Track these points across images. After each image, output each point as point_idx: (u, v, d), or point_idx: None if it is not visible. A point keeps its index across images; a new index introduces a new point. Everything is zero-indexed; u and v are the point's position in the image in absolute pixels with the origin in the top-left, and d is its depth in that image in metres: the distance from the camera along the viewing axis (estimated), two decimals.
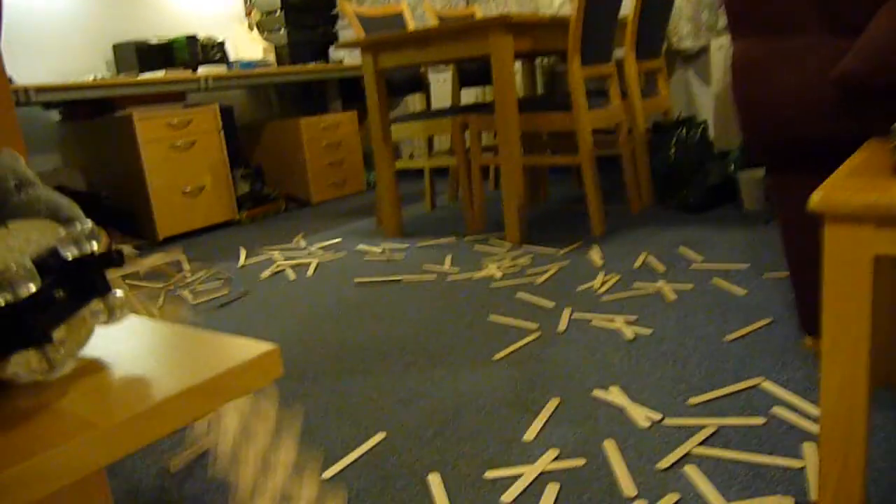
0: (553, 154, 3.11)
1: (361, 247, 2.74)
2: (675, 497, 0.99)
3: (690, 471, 1.05)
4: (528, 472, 1.09)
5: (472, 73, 3.47)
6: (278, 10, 4.05)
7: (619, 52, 2.87)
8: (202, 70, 3.43)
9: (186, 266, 2.67)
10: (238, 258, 2.76)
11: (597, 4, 2.44)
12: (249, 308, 2.10)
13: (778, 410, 1.19)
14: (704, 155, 2.75)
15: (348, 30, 4.30)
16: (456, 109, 2.99)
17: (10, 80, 2.84)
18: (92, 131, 3.26)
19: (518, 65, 3.64)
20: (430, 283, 2.16)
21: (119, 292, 0.44)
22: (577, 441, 1.17)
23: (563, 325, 1.69)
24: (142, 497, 1.14)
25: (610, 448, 1.14)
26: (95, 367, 0.43)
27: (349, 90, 4.48)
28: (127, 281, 2.49)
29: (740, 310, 1.67)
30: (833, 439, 0.85)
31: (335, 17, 4.29)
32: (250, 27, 4.21)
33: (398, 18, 3.31)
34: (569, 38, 2.42)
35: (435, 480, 1.10)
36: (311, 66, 3.93)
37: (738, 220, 2.52)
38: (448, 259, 2.42)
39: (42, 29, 3.29)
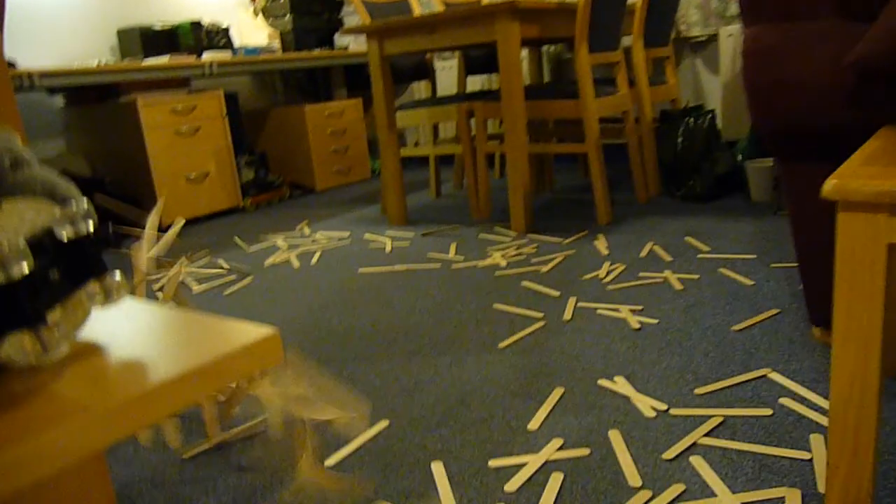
0: (559, 142, 3.09)
1: (366, 234, 2.73)
2: (680, 488, 0.98)
3: (696, 461, 1.04)
4: (533, 462, 1.08)
5: (479, 60, 3.44)
6: None
7: (626, 40, 2.84)
8: (207, 56, 3.41)
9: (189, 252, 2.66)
10: (242, 245, 2.75)
11: None
12: (253, 295, 2.10)
13: (785, 401, 1.18)
14: (712, 144, 2.72)
15: (354, 16, 4.27)
16: (462, 97, 2.96)
17: (13, 65, 2.83)
18: (96, 117, 3.25)
19: (525, 52, 3.61)
20: (434, 272, 2.15)
21: (116, 274, 0.43)
22: (581, 430, 1.16)
23: (568, 314, 1.68)
24: (152, 483, 1.14)
25: (615, 438, 1.13)
26: (91, 350, 0.42)
27: (354, 77, 4.46)
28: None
29: (747, 300, 1.65)
30: (842, 430, 0.84)
31: (340, 4, 4.26)
32: (255, 13, 4.18)
33: (404, 4, 3.28)
34: (576, 25, 2.39)
35: (438, 469, 1.09)
36: (317, 52, 3.90)
37: (746, 210, 2.50)
38: (453, 247, 2.41)
39: (46, 14, 3.27)
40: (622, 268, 1.99)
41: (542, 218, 2.71)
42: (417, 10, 3.29)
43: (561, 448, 1.11)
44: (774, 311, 1.56)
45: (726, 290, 1.73)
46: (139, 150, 3.09)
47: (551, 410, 1.24)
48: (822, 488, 0.95)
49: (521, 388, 1.33)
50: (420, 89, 4.40)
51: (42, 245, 0.41)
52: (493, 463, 1.09)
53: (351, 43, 4.19)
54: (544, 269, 2.06)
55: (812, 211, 1.25)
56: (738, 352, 1.39)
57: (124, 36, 3.46)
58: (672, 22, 3.02)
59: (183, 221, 1.07)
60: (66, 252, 0.42)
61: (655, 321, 1.59)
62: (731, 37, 3.25)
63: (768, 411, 1.16)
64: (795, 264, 1.86)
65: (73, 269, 0.41)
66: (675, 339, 1.48)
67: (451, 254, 2.33)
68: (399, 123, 2.91)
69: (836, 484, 0.86)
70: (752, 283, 1.76)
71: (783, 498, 0.94)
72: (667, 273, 1.90)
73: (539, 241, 2.37)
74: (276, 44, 4.05)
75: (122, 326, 0.45)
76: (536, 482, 1.03)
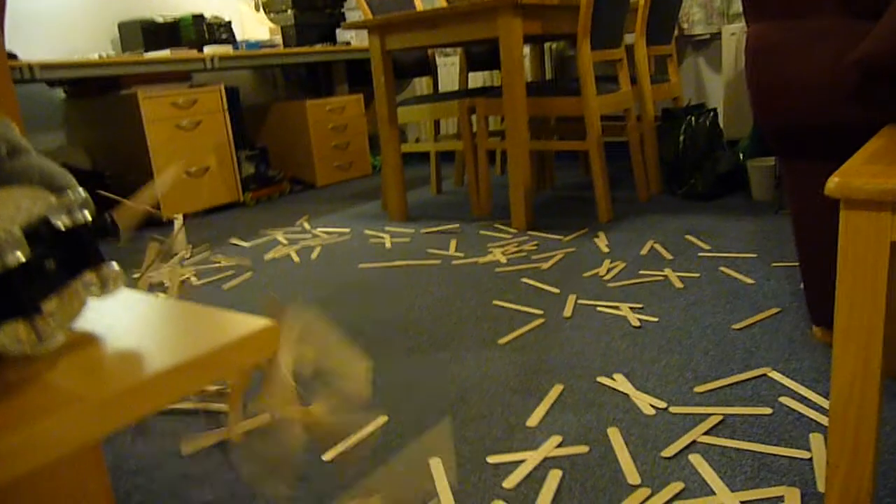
0: (561, 140, 3.08)
1: (366, 230, 2.73)
2: (679, 486, 0.98)
3: (695, 460, 1.03)
4: (531, 458, 1.08)
5: (481, 56, 3.43)
6: None
7: (629, 38, 2.83)
8: (208, 50, 3.40)
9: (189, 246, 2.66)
10: (242, 240, 2.74)
11: None
12: (252, 290, 2.09)
13: (785, 400, 1.18)
14: (714, 143, 2.72)
15: (355, 11, 4.26)
16: (463, 93, 2.96)
17: (14, 57, 2.82)
18: (96, 110, 3.24)
19: (527, 50, 3.61)
20: (434, 268, 2.14)
21: (114, 264, 0.42)
22: (580, 428, 1.16)
23: (568, 312, 1.67)
24: (149, 477, 1.14)
25: (614, 435, 1.12)
26: (87, 341, 0.41)
27: (356, 73, 4.45)
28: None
29: (748, 299, 1.65)
30: (842, 429, 0.83)
31: None
32: (257, 7, 4.17)
33: (406, 0, 3.28)
34: (579, 22, 2.39)
35: (437, 465, 1.09)
36: (318, 47, 3.89)
37: (747, 209, 2.49)
38: (453, 244, 2.40)
39: (47, 7, 3.26)
40: (623, 266, 1.99)
41: (543, 215, 2.70)
42: (419, 6, 3.28)
43: (560, 445, 1.11)
44: (775, 310, 1.56)
45: (727, 289, 1.72)
46: (140, 143, 3.09)
47: (550, 407, 1.23)
48: (821, 487, 0.95)
49: (521, 385, 1.33)
50: (421, 85, 4.39)
51: (38, 234, 0.41)
52: (491, 459, 1.09)
53: (352, 38, 4.18)
54: (544, 266, 2.05)
55: (814, 210, 1.25)
56: (739, 350, 1.39)
57: (125, 29, 3.45)
58: (675, 20, 3.01)
59: (181, 219, 1.07)
60: (63, 241, 0.41)
61: (655, 319, 1.58)
62: (733, 35, 3.24)
63: (768, 410, 1.15)
64: (796, 263, 1.85)
65: (69, 258, 0.41)
66: (674, 338, 1.48)
67: (452, 250, 2.32)
68: (400, 119, 2.90)
69: (836, 483, 0.86)
70: (753, 281, 1.75)
71: (782, 497, 0.93)
72: (667, 271, 1.90)
73: (539, 239, 2.36)
74: (278, 38, 4.04)
75: (119, 317, 0.44)
76: (535, 479, 1.03)
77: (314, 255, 2.43)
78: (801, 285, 1.65)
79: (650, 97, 2.80)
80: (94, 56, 3.12)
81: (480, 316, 1.70)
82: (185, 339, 0.39)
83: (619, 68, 2.66)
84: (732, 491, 0.95)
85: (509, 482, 1.03)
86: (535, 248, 2.26)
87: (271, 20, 4.13)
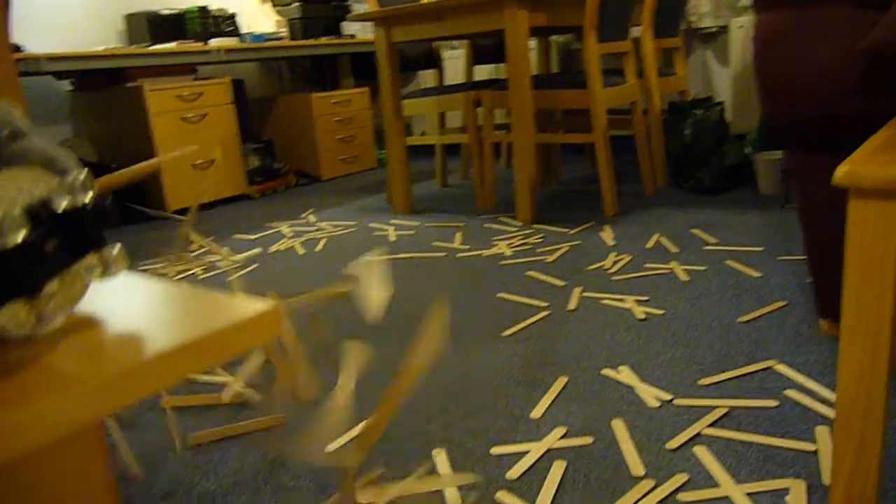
0: (566, 133, 3.07)
1: (371, 223, 2.72)
2: (683, 477, 0.97)
3: (700, 452, 1.03)
4: (535, 450, 1.08)
5: (487, 49, 3.42)
6: None
7: (636, 31, 2.81)
8: (214, 42, 3.40)
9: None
10: (247, 232, 2.75)
11: None
12: (258, 282, 2.09)
13: (791, 393, 1.17)
14: (721, 136, 2.70)
15: (361, 4, 4.25)
16: (469, 86, 2.95)
17: (20, 49, 2.82)
18: (103, 102, 3.24)
19: (533, 44, 3.59)
20: (439, 261, 2.14)
21: (116, 246, 0.42)
22: (585, 419, 1.15)
23: (573, 304, 1.67)
24: (153, 466, 1.14)
25: (618, 427, 1.12)
26: (88, 323, 0.41)
27: (361, 66, 4.44)
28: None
29: (754, 292, 1.64)
30: (849, 422, 0.83)
31: None
32: (262, 0, 4.16)
33: None
34: (585, 14, 2.37)
35: (440, 456, 1.09)
36: (324, 40, 3.89)
37: (754, 203, 2.48)
38: (458, 236, 2.40)
39: None
40: (628, 259, 1.98)
41: (549, 209, 2.70)
42: None
43: (564, 437, 1.11)
44: (781, 304, 1.55)
45: (733, 283, 1.71)
46: (145, 135, 3.09)
47: (555, 399, 1.23)
48: (827, 480, 0.94)
49: (525, 377, 1.32)
50: (427, 79, 4.38)
51: (39, 215, 0.40)
52: (495, 450, 1.09)
53: (358, 31, 4.17)
54: (549, 259, 2.05)
55: (821, 202, 1.24)
56: (744, 343, 1.38)
57: (132, 21, 3.45)
58: (682, 12, 2.99)
59: (197, 205, 1.07)
60: (64, 223, 0.41)
61: (661, 312, 1.58)
62: (741, 28, 3.22)
63: (774, 403, 1.15)
64: (803, 257, 1.84)
65: (71, 240, 0.41)
66: (680, 330, 1.47)
67: (456, 243, 2.32)
68: (406, 112, 2.89)
69: (842, 476, 0.85)
70: (760, 275, 1.74)
71: (787, 489, 0.93)
72: (673, 264, 1.89)
73: (545, 232, 2.35)
74: (284, 31, 4.03)
75: (121, 300, 0.44)
76: (539, 470, 1.03)
77: (319, 247, 2.43)
78: (809, 278, 1.64)
79: (657, 90, 2.78)
80: (101, 48, 3.12)
81: (485, 308, 1.70)
82: (186, 321, 0.39)
83: (626, 61, 2.65)
84: (737, 483, 0.95)
85: (513, 473, 1.02)
86: (540, 241, 2.25)
87: (277, 13, 4.12)
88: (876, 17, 1.07)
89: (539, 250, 2.15)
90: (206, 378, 1.43)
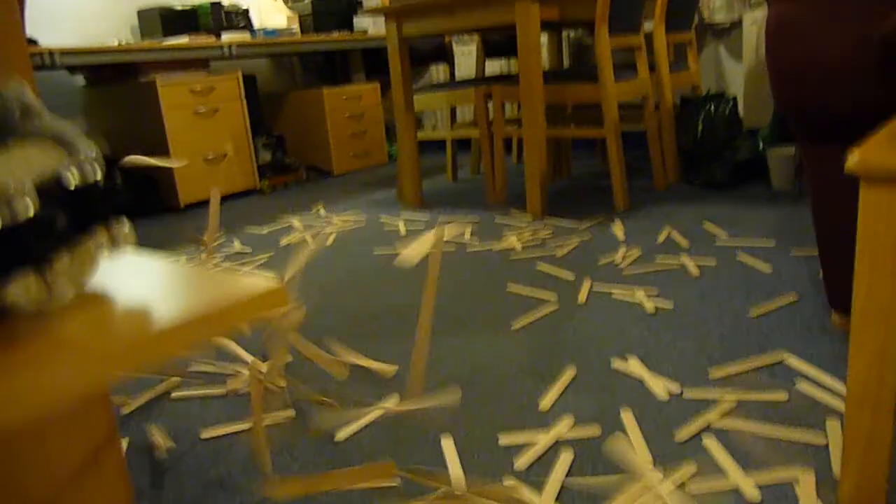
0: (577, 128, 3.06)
1: (381, 217, 2.73)
2: (692, 469, 0.97)
3: (709, 443, 1.03)
4: (543, 440, 1.08)
5: (498, 44, 3.41)
6: None
7: (648, 26, 2.80)
8: (226, 37, 3.41)
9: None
10: (259, 226, 2.76)
11: None
12: (269, 275, 2.10)
13: (802, 386, 1.16)
14: (733, 131, 2.68)
15: None
16: (480, 80, 2.94)
17: (35, 43, 2.84)
18: (115, 97, 3.27)
19: (545, 39, 3.58)
20: (449, 254, 2.14)
21: (125, 222, 0.42)
22: (593, 410, 1.15)
23: (582, 297, 1.67)
24: (165, 455, 1.15)
25: (627, 418, 1.12)
26: (97, 299, 0.41)
27: (373, 61, 4.44)
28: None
29: (766, 286, 1.63)
30: (860, 412, 0.82)
31: None
32: None
33: None
34: (597, 7, 2.36)
35: (448, 444, 1.09)
36: (336, 35, 3.89)
37: (767, 198, 2.46)
38: (468, 230, 2.40)
39: None
40: (638, 253, 1.97)
41: (559, 203, 2.69)
42: None
43: (572, 427, 1.11)
44: (793, 297, 1.54)
45: (744, 277, 1.70)
46: (158, 130, 3.11)
47: (563, 390, 1.23)
48: (837, 472, 0.94)
49: (534, 368, 1.32)
50: (438, 74, 4.38)
51: (50, 190, 0.41)
52: (503, 440, 1.09)
53: (370, 26, 4.18)
54: (560, 252, 2.05)
55: (833, 193, 1.23)
56: (755, 336, 1.37)
57: (144, 16, 3.47)
58: (695, 7, 2.97)
59: (218, 195, 1.08)
60: (74, 198, 0.41)
61: (671, 306, 1.57)
62: (755, 23, 3.20)
63: (784, 395, 1.14)
64: (815, 252, 1.83)
65: (80, 215, 0.41)
66: (690, 324, 1.46)
67: (467, 237, 2.32)
68: (417, 106, 2.89)
69: (852, 468, 0.85)
70: (771, 269, 1.73)
71: (796, 480, 0.92)
72: (684, 259, 1.88)
73: (555, 226, 2.35)
74: (296, 26, 4.04)
75: (130, 277, 0.45)
76: (546, 460, 1.03)
77: (330, 241, 2.44)
78: (820, 272, 1.62)
79: (669, 85, 2.77)
80: (114, 43, 3.15)
81: (495, 301, 1.70)
82: (194, 297, 0.39)
83: (638, 56, 2.63)
84: (746, 474, 0.95)
85: (521, 463, 1.02)
86: (550, 235, 2.25)
87: (290, 8, 4.13)
88: (889, 6, 1.06)
89: (549, 244, 2.14)
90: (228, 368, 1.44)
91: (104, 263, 0.48)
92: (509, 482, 0.98)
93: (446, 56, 3.37)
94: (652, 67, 2.78)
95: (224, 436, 1.18)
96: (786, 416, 1.08)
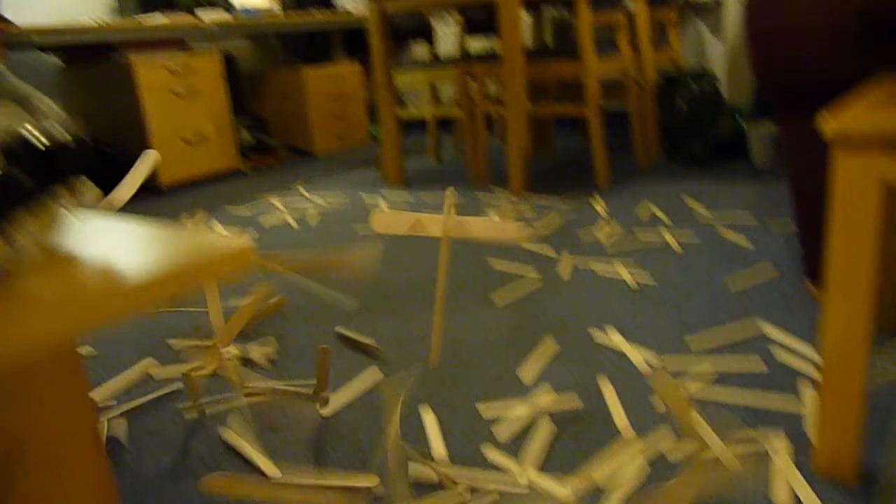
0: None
1: (364, 196, 2.72)
2: (671, 438, 0.98)
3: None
4: (524, 411, 1.08)
5: (478, 22, 3.39)
6: None
7: (630, 4, 2.79)
8: (207, 17, 3.36)
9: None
10: (241, 207, 2.74)
11: None
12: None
13: (780, 356, 1.18)
14: (715, 109, 2.69)
15: None
16: (462, 59, 2.93)
17: (7, 21, 2.78)
18: (92, 77, 3.21)
19: (528, 18, 3.56)
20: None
21: (86, 180, 0.42)
22: (574, 382, 1.16)
23: (565, 274, 1.67)
24: (148, 430, 1.14)
25: (607, 390, 1.13)
26: (64, 257, 0.41)
27: (354, 42, 4.40)
28: None
29: (746, 261, 1.64)
30: (833, 377, 0.83)
31: None
32: None
33: None
34: None
35: (429, 416, 1.09)
36: (318, 14, 3.85)
37: (748, 174, 2.48)
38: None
39: None
40: (621, 230, 1.98)
41: (542, 181, 2.69)
42: None
43: (552, 398, 1.11)
44: (772, 272, 1.55)
45: (725, 252, 1.72)
46: (136, 110, 3.06)
47: (544, 363, 1.24)
48: (812, 439, 0.95)
49: (516, 342, 1.33)
50: (420, 52, 4.34)
51: (12, 149, 0.40)
52: (485, 413, 1.09)
53: (351, 5, 4.13)
54: (543, 230, 2.05)
55: (809, 163, 1.24)
56: (735, 309, 1.38)
57: None
58: None
59: (156, 155, 1.06)
60: (37, 158, 0.41)
61: (653, 281, 1.58)
62: (736, 0, 3.20)
63: (762, 365, 1.15)
64: (794, 225, 1.84)
65: (43, 175, 0.40)
66: (671, 298, 1.47)
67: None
68: (398, 83, 2.87)
69: (826, 432, 0.86)
70: (752, 245, 1.75)
71: (774, 447, 0.94)
72: (666, 235, 1.89)
73: (537, 203, 2.35)
74: (276, 6, 3.99)
75: (98, 236, 0.44)
76: (527, 431, 1.03)
77: (313, 221, 2.42)
78: (798, 242, 1.64)
79: (651, 62, 2.77)
80: (86, 20, 3.09)
81: (477, 278, 1.70)
82: (159, 255, 0.39)
83: (620, 33, 2.63)
84: (724, 442, 0.96)
85: (502, 434, 1.03)
86: (533, 212, 2.25)
87: None
88: None
89: (532, 221, 2.15)
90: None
91: (72, 223, 0.47)
92: (492, 453, 0.98)
93: (427, 34, 3.34)
94: (634, 46, 2.77)
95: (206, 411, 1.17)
96: (763, 385, 1.09)
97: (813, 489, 0.85)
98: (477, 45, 4.01)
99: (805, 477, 0.87)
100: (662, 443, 0.97)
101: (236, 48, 4.07)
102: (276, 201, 2.77)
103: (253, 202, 2.80)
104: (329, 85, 3.86)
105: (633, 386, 1.13)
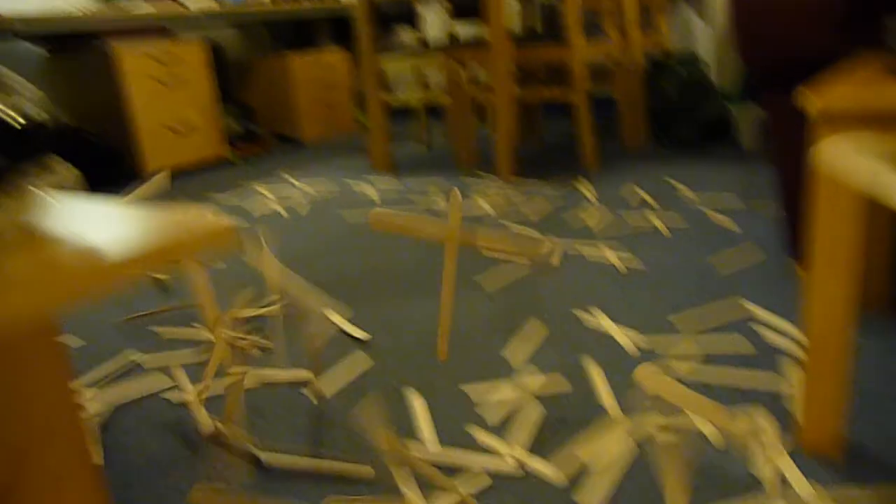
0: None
1: (353, 184, 2.71)
2: (659, 418, 0.99)
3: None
4: (511, 393, 1.09)
5: (464, 6, 3.38)
6: None
7: None
8: (194, 4, 3.33)
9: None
10: (229, 196, 2.72)
11: None
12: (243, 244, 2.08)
13: (766, 336, 1.19)
14: (703, 92, 2.70)
15: None
16: (448, 44, 2.91)
17: None
18: (76, 66, 3.18)
19: (516, 3, 3.54)
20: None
21: (61, 160, 0.41)
22: (562, 365, 1.17)
23: (555, 259, 1.67)
24: (137, 416, 1.14)
25: (596, 372, 1.13)
26: (43, 236, 0.40)
27: (341, 30, 4.37)
28: None
29: (733, 243, 1.65)
30: (818, 356, 0.84)
31: None
32: None
33: None
34: None
35: (417, 399, 1.09)
36: (305, 2, 3.81)
37: (735, 157, 2.49)
38: (439, 195, 2.39)
39: None
40: (609, 214, 1.98)
41: (530, 166, 2.69)
42: None
43: (540, 381, 1.12)
44: (759, 254, 1.56)
45: (712, 235, 1.72)
46: (121, 99, 3.03)
47: (532, 346, 1.24)
48: (798, 418, 0.96)
49: (504, 326, 1.33)
50: (406, 37, 4.32)
51: None
52: (473, 395, 1.10)
53: None
54: (531, 215, 2.05)
55: (794, 143, 1.24)
56: (722, 290, 1.39)
57: None
58: None
59: (167, 175, 1.06)
60: (13, 136, 0.40)
61: (641, 264, 1.58)
62: None
63: (749, 346, 1.16)
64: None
65: (18, 152, 0.40)
66: (659, 281, 1.48)
67: (437, 199, 2.31)
68: (386, 70, 2.86)
69: (811, 410, 0.87)
70: (739, 227, 1.75)
71: (760, 426, 0.95)
72: (654, 218, 1.90)
73: (526, 188, 2.35)
74: None
75: (77, 216, 0.44)
76: (516, 414, 1.04)
77: (301, 209, 2.41)
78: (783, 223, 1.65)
79: (639, 46, 2.77)
80: (69, 7, 3.05)
81: (466, 263, 1.70)
82: (139, 233, 0.38)
83: (607, 18, 2.62)
84: (712, 422, 0.96)
85: (491, 417, 1.03)
86: (521, 197, 2.25)
87: None
88: None
89: (520, 207, 2.15)
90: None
91: (49, 202, 0.47)
92: (481, 435, 0.99)
93: (413, 19, 3.32)
94: (622, 30, 2.77)
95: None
96: (749, 364, 1.10)
97: (798, 467, 0.86)
98: (464, 29, 3.99)
99: (791, 455, 0.88)
100: (649, 423, 0.98)
101: (223, 36, 4.03)
102: (264, 189, 2.76)
103: (240, 190, 2.79)
104: (316, 72, 3.83)
105: (620, 367, 1.14)
